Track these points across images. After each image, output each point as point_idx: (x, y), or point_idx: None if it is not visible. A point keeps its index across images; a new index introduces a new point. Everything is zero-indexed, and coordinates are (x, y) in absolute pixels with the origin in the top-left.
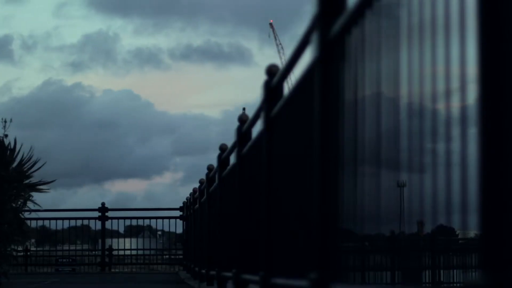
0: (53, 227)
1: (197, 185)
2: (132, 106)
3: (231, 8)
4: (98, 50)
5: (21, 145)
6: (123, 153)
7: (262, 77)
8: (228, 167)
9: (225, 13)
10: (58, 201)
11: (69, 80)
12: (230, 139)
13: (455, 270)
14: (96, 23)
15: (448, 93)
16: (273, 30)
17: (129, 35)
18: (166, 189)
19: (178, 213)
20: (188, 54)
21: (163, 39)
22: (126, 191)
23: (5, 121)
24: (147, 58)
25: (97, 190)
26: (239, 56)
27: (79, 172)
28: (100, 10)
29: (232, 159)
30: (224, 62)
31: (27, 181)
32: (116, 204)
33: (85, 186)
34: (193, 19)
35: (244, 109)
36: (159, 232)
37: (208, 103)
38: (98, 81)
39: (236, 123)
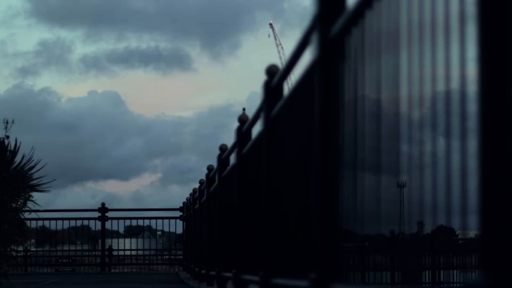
0: (53, 227)
1: (181, 185)
2: (100, 109)
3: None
4: (54, 57)
5: (20, 143)
6: (98, 155)
7: (210, 83)
8: (228, 167)
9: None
10: (46, 203)
11: (34, 85)
12: (201, 141)
13: (455, 270)
14: (45, 33)
15: (448, 93)
16: (273, 30)
17: (81, 43)
18: (150, 190)
19: (178, 214)
20: (127, 58)
21: (106, 46)
22: (110, 192)
23: (7, 122)
24: (94, 65)
25: (81, 192)
26: (179, 61)
27: (55, 175)
28: (43, 22)
29: (232, 159)
30: (165, 68)
31: (30, 182)
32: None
33: (66, 187)
34: (142, 28)
35: (244, 109)
36: (159, 232)
37: (179, 106)
38: (61, 86)
39: (208, 126)
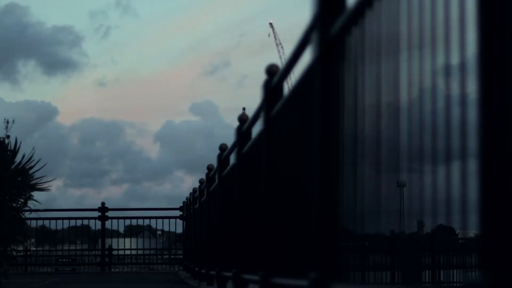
0: (53, 227)
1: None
2: None
3: None
4: None
5: (20, 143)
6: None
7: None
8: (228, 167)
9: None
10: None
11: None
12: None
13: (455, 270)
14: None
15: (447, 92)
16: (273, 29)
17: None
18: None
19: (178, 213)
20: None
21: None
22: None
23: (7, 122)
24: None
25: None
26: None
27: None
28: None
29: (232, 159)
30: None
31: (31, 181)
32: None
33: None
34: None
35: (244, 109)
36: (159, 232)
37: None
38: None
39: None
